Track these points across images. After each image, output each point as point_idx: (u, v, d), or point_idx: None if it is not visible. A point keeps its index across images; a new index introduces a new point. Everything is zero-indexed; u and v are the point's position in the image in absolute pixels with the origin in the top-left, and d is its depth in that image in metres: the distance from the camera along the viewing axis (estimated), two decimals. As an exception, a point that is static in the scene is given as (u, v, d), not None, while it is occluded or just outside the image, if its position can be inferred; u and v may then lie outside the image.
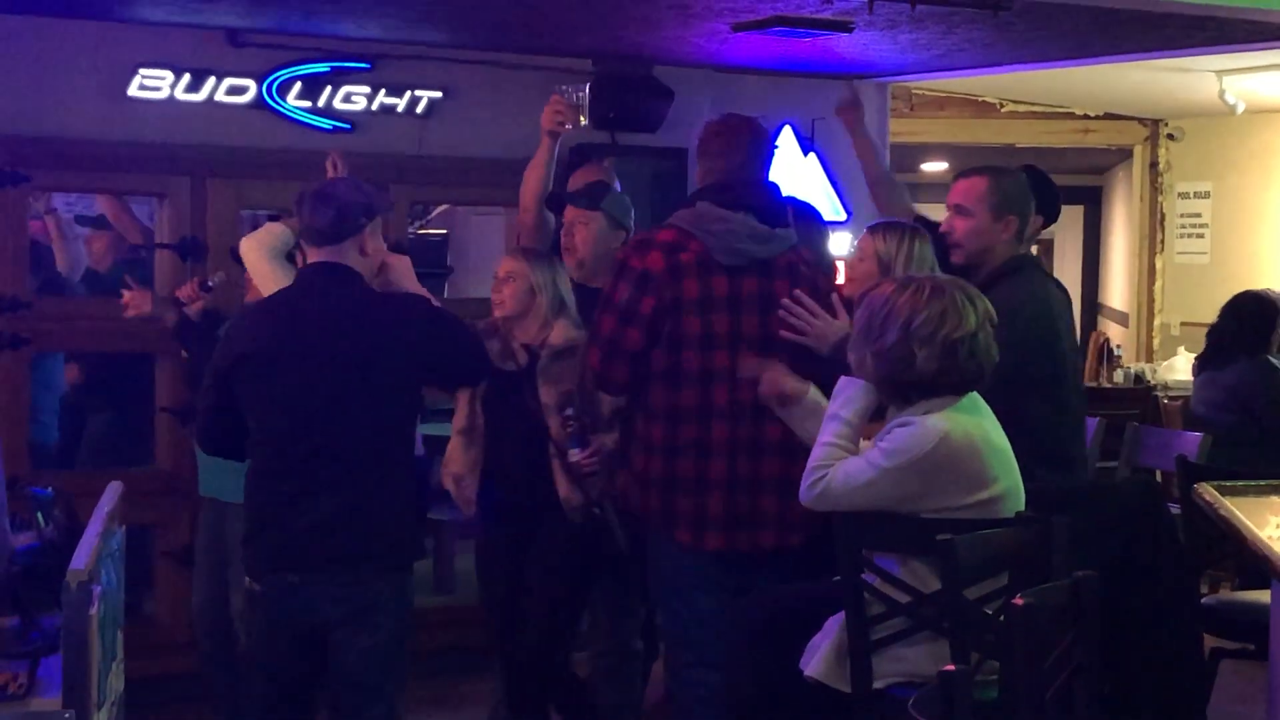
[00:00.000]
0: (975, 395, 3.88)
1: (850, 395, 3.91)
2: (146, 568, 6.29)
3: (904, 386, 3.82)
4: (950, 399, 3.81)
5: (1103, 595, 3.41)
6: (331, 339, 3.99)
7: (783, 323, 4.41)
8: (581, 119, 5.05)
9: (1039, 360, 4.57)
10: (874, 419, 3.97)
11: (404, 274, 4.32)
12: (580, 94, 4.96)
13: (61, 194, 7.27)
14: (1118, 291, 12.31)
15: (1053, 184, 5.41)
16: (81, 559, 2.94)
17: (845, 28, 6.01)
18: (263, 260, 4.89)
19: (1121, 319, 11.98)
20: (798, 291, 4.41)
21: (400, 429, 4.13)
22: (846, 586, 3.82)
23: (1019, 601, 2.95)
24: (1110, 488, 5.03)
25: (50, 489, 3.85)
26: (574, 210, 5.15)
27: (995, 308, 3.88)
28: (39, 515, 3.74)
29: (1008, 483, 3.83)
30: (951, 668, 2.46)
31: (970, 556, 3.54)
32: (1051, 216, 5.38)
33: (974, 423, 3.82)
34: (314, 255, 4.11)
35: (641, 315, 4.36)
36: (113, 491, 3.54)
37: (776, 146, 7.70)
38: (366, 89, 6.77)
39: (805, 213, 5.02)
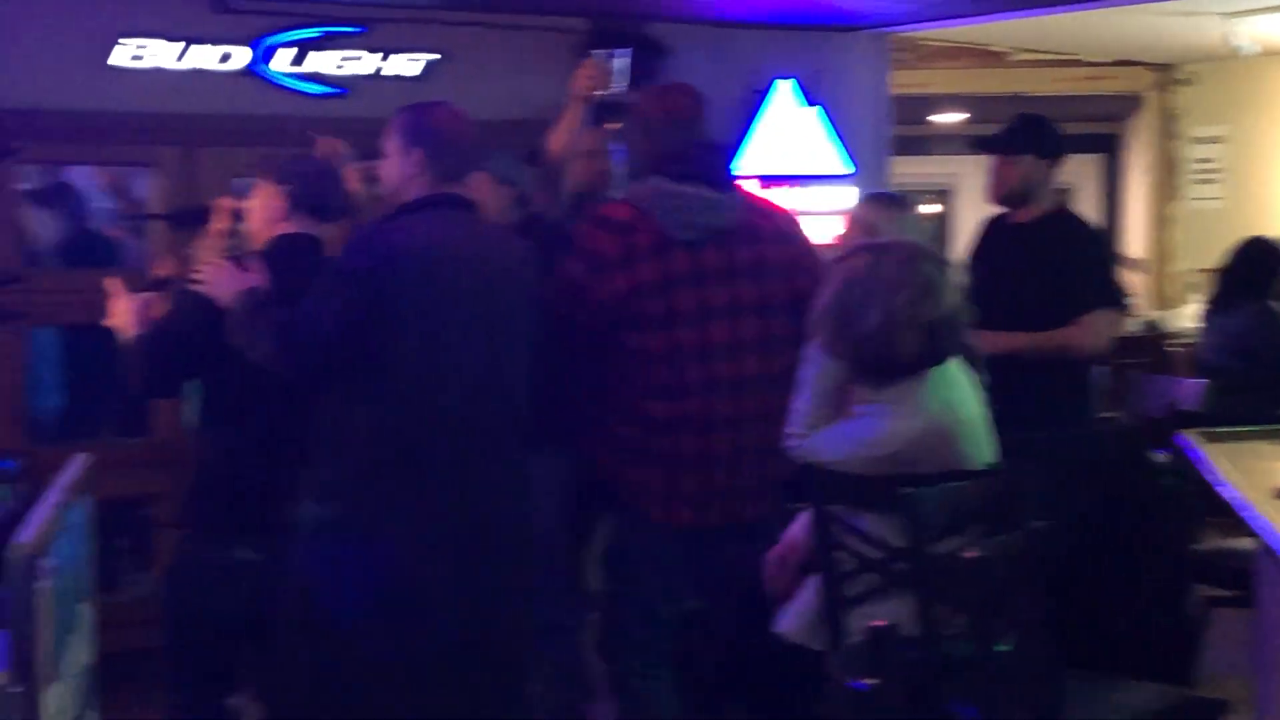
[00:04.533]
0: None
1: (823, 370, 3.82)
2: (146, 541, 6.31)
3: (880, 372, 3.73)
4: (922, 377, 3.73)
5: (1084, 545, 3.37)
6: None
7: (748, 288, 4.34)
8: (613, 82, 4.88)
9: None
10: None
11: None
12: (613, 59, 4.82)
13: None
14: (1137, 240, 12.20)
15: (1052, 127, 5.38)
16: (29, 532, 2.93)
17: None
18: None
19: (1142, 267, 11.87)
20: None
21: None
22: (817, 543, 3.78)
23: (969, 555, 2.92)
24: (1090, 436, 4.97)
25: (15, 461, 3.86)
26: None
27: None
28: (1, 488, 3.74)
29: (977, 449, 3.75)
30: (882, 623, 2.44)
31: (934, 510, 3.50)
32: (1054, 161, 5.36)
33: (942, 405, 3.72)
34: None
35: (590, 297, 4.28)
36: (76, 463, 3.53)
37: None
38: (360, 53, 6.75)
39: None
